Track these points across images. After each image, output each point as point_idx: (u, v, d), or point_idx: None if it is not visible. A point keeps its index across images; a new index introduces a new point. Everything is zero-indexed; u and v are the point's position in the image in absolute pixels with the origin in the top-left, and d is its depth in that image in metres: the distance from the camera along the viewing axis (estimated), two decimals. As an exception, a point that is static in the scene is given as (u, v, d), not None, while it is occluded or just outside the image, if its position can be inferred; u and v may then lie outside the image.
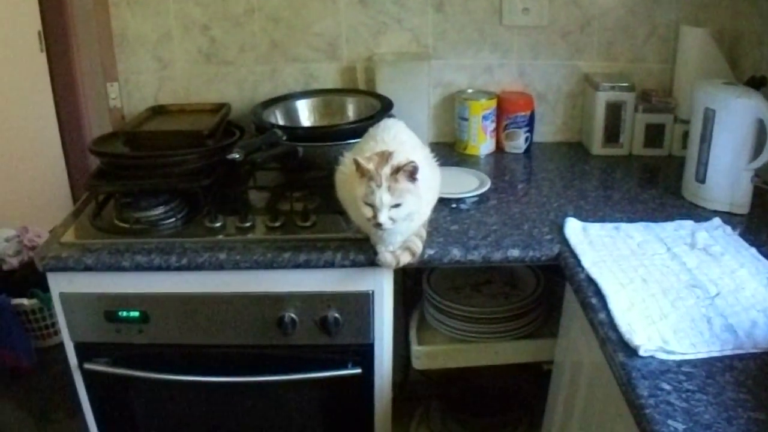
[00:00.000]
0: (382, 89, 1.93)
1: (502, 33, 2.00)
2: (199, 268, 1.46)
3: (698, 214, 1.67)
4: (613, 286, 1.36)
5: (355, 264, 1.48)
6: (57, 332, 2.89)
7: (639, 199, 1.76)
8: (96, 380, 1.59)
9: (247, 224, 1.56)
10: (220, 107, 1.91)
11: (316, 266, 1.47)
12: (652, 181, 1.90)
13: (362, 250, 1.48)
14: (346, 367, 1.59)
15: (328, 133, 1.69)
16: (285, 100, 1.92)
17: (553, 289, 1.78)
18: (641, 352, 1.17)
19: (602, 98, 1.97)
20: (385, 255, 1.42)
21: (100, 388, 1.61)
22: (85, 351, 1.57)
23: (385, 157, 1.33)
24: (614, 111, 1.97)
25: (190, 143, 1.67)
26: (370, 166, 1.32)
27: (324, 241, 1.51)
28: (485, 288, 1.84)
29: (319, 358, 1.58)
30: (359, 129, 1.67)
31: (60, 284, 1.50)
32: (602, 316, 1.28)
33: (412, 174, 1.32)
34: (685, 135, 1.97)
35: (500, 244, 1.51)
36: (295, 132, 1.69)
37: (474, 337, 1.73)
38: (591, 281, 1.39)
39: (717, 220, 1.62)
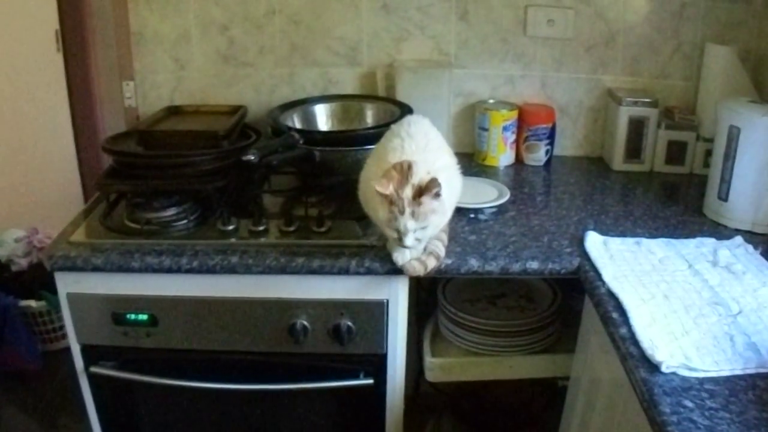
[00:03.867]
0: (402, 96, 1.89)
1: (526, 44, 1.96)
2: (210, 271, 1.43)
3: (720, 232, 1.64)
4: (635, 301, 1.33)
5: (370, 272, 1.43)
6: (65, 336, 2.77)
7: (660, 215, 1.71)
8: (102, 384, 1.55)
9: (261, 228, 1.52)
10: (237, 109, 1.88)
11: (330, 273, 1.43)
12: (673, 198, 1.85)
13: (378, 257, 1.44)
14: (357, 378, 1.54)
15: (346, 137, 1.66)
16: (303, 104, 1.88)
17: (570, 304, 1.75)
18: (663, 369, 1.14)
19: (625, 113, 1.92)
20: (413, 264, 1.38)
21: (106, 393, 1.57)
22: (91, 354, 1.53)
23: (404, 172, 1.29)
24: (637, 127, 1.93)
25: (205, 144, 1.64)
26: (390, 191, 1.27)
27: (339, 248, 1.47)
28: (500, 301, 1.79)
29: (330, 368, 1.54)
30: (378, 134, 1.64)
31: (68, 284, 1.47)
32: (623, 331, 1.25)
33: (436, 194, 1.28)
34: (708, 153, 1.94)
35: (519, 256, 1.47)
36: (312, 136, 1.65)
37: (489, 350, 1.69)
38: (612, 296, 1.36)
39: (739, 239, 1.58)
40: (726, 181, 1.66)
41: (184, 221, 1.55)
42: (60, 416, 2.51)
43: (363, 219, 1.58)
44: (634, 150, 1.96)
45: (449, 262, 1.45)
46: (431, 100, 1.89)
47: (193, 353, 1.53)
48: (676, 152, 1.96)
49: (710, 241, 1.58)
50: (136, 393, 1.58)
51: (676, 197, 1.87)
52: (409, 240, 1.30)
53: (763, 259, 1.50)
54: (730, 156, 1.64)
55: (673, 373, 1.13)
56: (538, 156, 1.98)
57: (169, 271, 1.43)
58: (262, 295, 1.48)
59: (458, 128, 2.02)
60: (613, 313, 1.30)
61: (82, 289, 1.47)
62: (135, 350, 1.52)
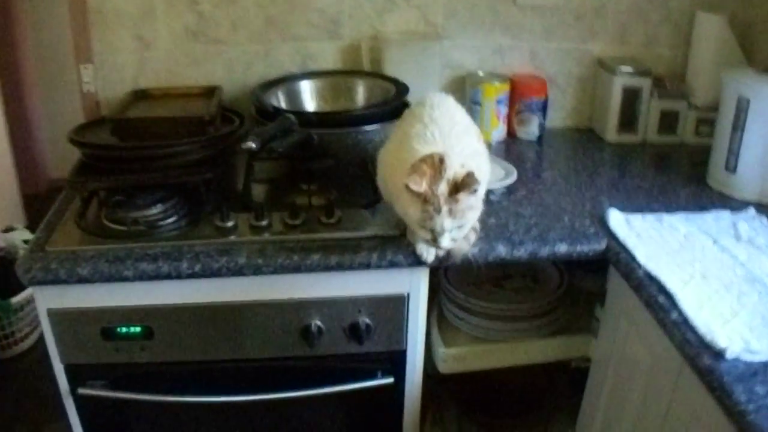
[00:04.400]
0: (390, 70, 1.74)
1: (516, 13, 1.84)
2: (214, 275, 1.25)
3: (729, 204, 1.58)
4: (677, 283, 1.25)
5: (393, 265, 1.29)
6: (17, 342, 2.61)
7: (668, 188, 1.64)
8: (91, 406, 1.36)
9: (264, 223, 1.35)
10: (211, 91, 1.68)
11: (350, 269, 1.28)
12: (672, 169, 1.78)
13: (400, 249, 1.30)
14: (375, 377, 1.41)
15: (345, 118, 1.49)
16: (285, 82, 1.70)
17: (572, 282, 1.68)
18: (728, 355, 1.07)
19: (619, 83, 1.84)
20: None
21: (96, 415, 1.38)
22: (78, 373, 1.33)
23: (437, 167, 1.14)
24: (630, 97, 1.85)
25: (188, 131, 1.44)
26: (424, 188, 1.12)
27: (355, 240, 1.32)
28: (506, 283, 1.68)
29: (346, 369, 1.40)
30: (379, 114, 1.51)
31: (48, 300, 1.26)
32: (675, 316, 1.17)
33: (474, 190, 1.14)
34: (699, 122, 1.89)
35: (546, 239, 1.37)
36: (307, 117, 1.48)
37: (502, 336, 1.59)
38: (652, 278, 1.27)
39: (752, 210, 1.53)
40: (734, 153, 1.60)
41: (173, 219, 1.37)
42: (15, 427, 2.28)
43: (371, 205, 1.45)
44: (628, 121, 1.87)
45: (476, 250, 1.32)
46: (421, 74, 1.74)
47: (194, 365, 1.36)
48: (668, 122, 1.89)
49: (726, 214, 1.52)
50: (130, 413, 1.40)
51: (675, 168, 1.80)
52: (444, 241, 1.16)
53: None
54: (738, 127, 1.58)
55: (736, 359, 1.06)
56: (530, 129, 1.87)
57: (167, 277, 1.24)
58: (272, 296, 1.32)
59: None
60: (658, 297, 1.22)
61: (66, 304, 1.27)
62: (128, 366, 1.34)
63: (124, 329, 1.30)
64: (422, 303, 1.38)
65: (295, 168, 1.56)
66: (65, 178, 1.39)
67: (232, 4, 1.69)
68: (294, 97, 1.69)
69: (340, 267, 1.28)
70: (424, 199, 1.13)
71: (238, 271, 1.26)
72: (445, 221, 1.13)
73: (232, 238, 1.32)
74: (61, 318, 1.28)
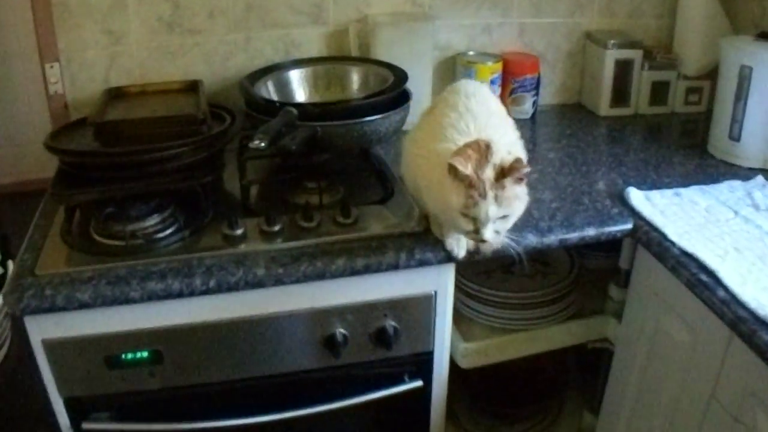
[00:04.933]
0: (380, 55, 1.61)
1: (503, -11, 1.74)
2: (231, 289, 1.12)
3: (734, 172, 1.55)
4: (714, 260, 1.20)
5: (422, 263, 1.19)
6: None
7: (672, 161, 1.59)
8: (97, 442, 1.21)
9: (276, 227, 1.22)
10: (193, 85, 1.52)
11: (377, 271, 1.17)
12: (671, 140, 1.73)
13: (428, 245, 1.19)
14: (403, 382, 1.31)
15: (349, 108, 1.35)
16: (273, 72, 1.55)
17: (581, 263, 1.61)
18: (785, 329, 1.03)
19: (611, 57, 1.77)
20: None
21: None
22: (80, 407, 1.18)
23: (482, 152, 1.04)
24: (622, 70, 1.78)
25: (179, 132, 1.29)
26: (470, 171, 1.02)
27: (379, 240, 1.21)
28: (516, 269, 1.58)
29: (373, 376, 1.29)
30: (384, 103, 1.38)
31: (43, 329, 1.10)
32: (722, 294, 1.13)
33: (520, 178, 1.04)
34: (688, 91, 1.84)
35: (573, 224, 1.29)
36: (309, 109, 1.35)
37: (519, 324, 1.50)
38: (688, 256, 1.22)
39: (760, 178, 1.51)
40: (738, 121, 1.56)
41: (172, 229, 1.22)
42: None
43: (385, 200, 1.33)
44: (620, 94, 1.81)
45: (506, 241, 1.22)
46: (413, 57, 1.61)
47: (209, 388, 1.22)
48: (658, 93, 1.84)
49: (738, 184, 1.49)
50: (140, 445, 1.25)
51: (673, 139, 1.75)
52: (488, 232, 1.05)
53: None
54: (741, 96, 1.54)
55: (791, 332, 1.02)
56: (525, 108, 1.78)
57: (179, 296, 1.10)
58: (292, 307, 1.19)
59: (435, 85, 1.75)
60: (700, 276, 1.17)
61: (64, 333, 1.11)
62: (136, 395, 1.19)
63: (130, 355, 1.15)
64: (449, 300, 1.28)
65: (295, 165, 1.43)
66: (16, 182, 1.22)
67: (209, -11, 1.54)
68: (283, 87, 1.54)
69: (367, 270, 1.16)
70: (469, 184, 1.02)
71: (258, 284, 1.13)
72: (490, 208, 1.03)
73: (243, 247, 1.18)
74: (59, 348, 1.12)
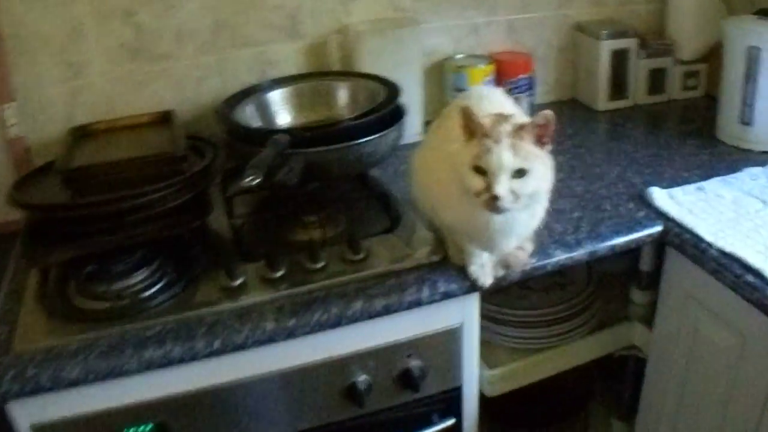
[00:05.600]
0: (364, 67, 1.48)
1: (489, -15, 1.63)
2: (238, 349, 0.99)
3: (749, 158, 1.47)
4: (756, 257, 1.11)
5: (447, 296, 1.07)
6: None
7: (683, 151, 1.50)
8: None
9: (280, 273, 1.09)
10: (164, 117, 1.37)
11: (398, 310, 1.05)
12: (676, 129, 1.64)
13: (450, 276, 1.08)
14: (434, 423, 1.18)
15: (343, 130, 1.22)
16: (252, 94, 1.41)
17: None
18: None
19: (606, 48, 1.66)
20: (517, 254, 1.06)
21: None
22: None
23: (502, 118, 0.92)
24: (619, 61, 1.68)
25: (159, 173, 1.14)
26: (485, 121, 0.90)
27: (395, 275, 1.08)
28: (533, 283, 1.48)
29: (401, 420, 1.16)
30: (380, 121, 1.25)
31: (31, 414, 0.96)
32: None
33: (541, 137, 0.91)
34: (686, 75, 1.76)
35: (600, 234, 1.18)
36: (300, 135, 1.21)
37: (543, 343, 1.39)
38: (729, 257, 1.13)
39: None
40: (749, 105, 1.47)
41: (161, 284, 1.08)
42: None
43: (393, 228, 1.21)
44: (618, 86, 1.71)
45: (533, 260, 1.12)
46: (401, 66, 1.48)
47: (222, 455, 1.09)
48: (656, 81, 1.74)
49: (759, 171, 1.40)
50: None
51: (678, 128, 1.66)
52: (501, 186, 0.88)
53: None
54: (751, 78, 1.46)
55: None
56: (513, 103, 1.66)
57: (182, 361, 0.97)
58: (307, 360, 1.06)
59: (426, 94, 1.62)
60: (746, 276, 1.08)
61: (55, 415, 0.96)
62: (144, 473, 1.06)
63: (132, 430, 1.02)
64: (476, 331, 1.17)
65: (286, 196, 1.29)
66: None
67: (174, 10, 1.38)
68: (265, 111, 1.41)
69: (387, 311, 1.04)
70: (484, 134, 0.89)
71: (268, 340, 0.99)
72: (504, 153, 0.88)
73: (245, 298, 1.05)
74: (49, 433, 0.99)
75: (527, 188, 0.90)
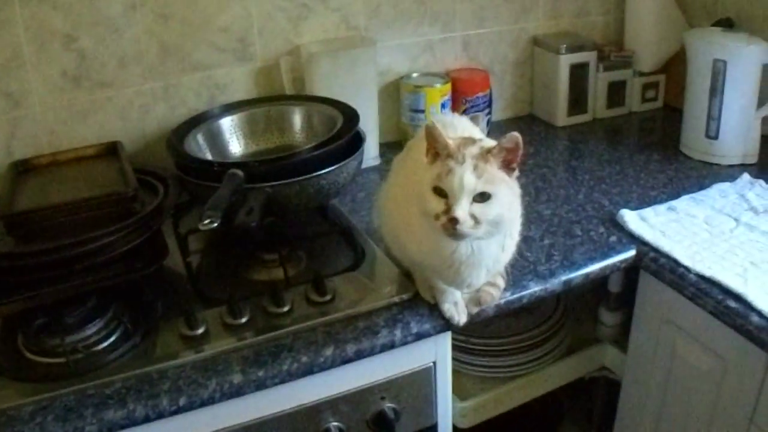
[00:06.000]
0: (318, 90, 1.45)
1: (443, 1, 1.61)
2: (206, 404, 0.95)
3: (716, 172, 1.51)
4: (736, 280, 1.13)
5: (420, 337, 1.05)
6: None
7: (650, 168, 1.53)
8: None
9: (243, 319, 1.05)
10: (111, 148, 1.33)
11: (371, 355, 1.03)
12: (639, 144, 1.67)
13: (423, 315, 1.06)
14: (409, 465, 1.18)
15: (307, 161, 1.19)
16: (202, 122, 1.37)
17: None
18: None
19: (565, 62, 1.68)
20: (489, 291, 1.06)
21: None
22: None
23: (469, 140, 0.91)
24: (578, 75, 1.70)
25: (109, 214, 1.10)
26: (450, 142, 0.89)
27: (366, 317, 1.06)
28: (499, 310, 1.49)
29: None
30: (342, 148, 1.23)
31: (-20, 490, 0.91)
32: (756, 319, 1.05)
33: (509, 162, 0.90)
34: (645, 88, 1.79)
35: (574, 262, 1.19)
36: (256, 169, 1.18)
37: (514, 371, 1.40)
38: (707, 281, 1.14)
39: (746, 176, 1.46)
40: (715, 118, 1.51)
41: (118, 334, 1.03)
42: None
43: (357, 265, 1.19)
44: (577, 100, 1.73)
45: (508, 295, 1.11)
46: (356, 87, 1.47)
47: None
48: (615, 94, 1.77)
49: (727, 186, 1.44)
50: None
51: (640, 143, 1.69)
52: (461, 209, 0.86)
53: None
54: (717, 91, 1.49)
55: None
56: (480, 129, 1.65)
57: (146, 421, 0.92)
58: (276, 410, 1.03)
59: (383, 117, 1.61)
60: (727, 302, 1.09)
61: (6, 490, 0.92)
62: None
63: (90, 499, 0.97)
64: (448, 368, 1.15)
65: (243, 232, 1.26)
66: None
67: (118, 35, 1.33)
68: (215, 139, 1.37)
69: (359, 356, 1.02)
70: (448, 155, 0.88)
71: (236, 392, 0.96)
72: (466, 175, 0.86)
73: (208, 348, 1.01)
74: None
75: (489, 214, 0.88)
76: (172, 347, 1.02)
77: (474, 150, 0.89)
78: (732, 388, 1.15)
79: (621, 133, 1.75)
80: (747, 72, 1.45)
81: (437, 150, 0.90)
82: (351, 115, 1.33)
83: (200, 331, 1.03)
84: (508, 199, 0.90)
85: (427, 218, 0.90)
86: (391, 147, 1.62)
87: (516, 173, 0.92)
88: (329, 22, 1.52)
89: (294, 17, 1.48)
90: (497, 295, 1.10)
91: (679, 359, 1.24)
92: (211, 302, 1.10)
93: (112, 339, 1.03)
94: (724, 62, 1.44)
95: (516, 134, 0.88)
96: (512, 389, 1.39)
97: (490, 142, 0.93)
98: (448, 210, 0.87)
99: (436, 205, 0.89)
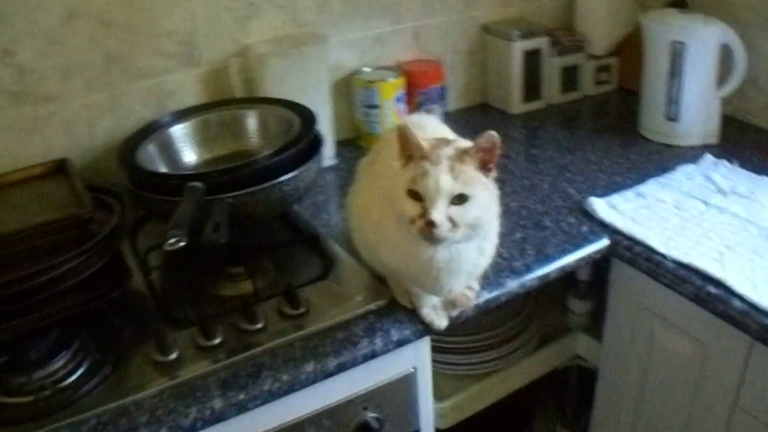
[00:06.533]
0: (270, 91, 1.43)
1: (392, -8, 1.61)
2: None
3: (679, 154, 1.54)
4: (713, 266, 1.16)
5: (401, 344, 1.05)
6: None
7: (612, 153, 1.56)
8: None
9: (216, 340, 1.03)
10: (59, 166, 1.27)
11: (353, 366, 1.02)
12: (598, 129, 1.69)
13: (402, 321, 1.06)
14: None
15: (268, 167, 1.16)
16: (152, 132, 1.33)
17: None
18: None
19: (518, 49, 1.69)
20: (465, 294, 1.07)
21: None
22: None
23: (443, 141, 0.91)
24: (532, 61, 1.72)
25: (66, 238, 1.06)
26: (424, 143, 0.89)
27: (344, 328, 1.06)
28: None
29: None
30: (301, 154, 1.21)
31: None
32: (738, 304, 1.09)
33: (485, 162, 0.90)
34: (598, 71, 1.82)
35: (548, 255, 1.21)
36: (216, 179, 1.15)
37: (488, 366, 1.42)
38: (685, 268, 1.17)
39: (709, 156, 1.51)
40: (674, 101, 1.54)
41: (87, 365, 1.00)
42: None
43: (328, 273, 1.18)
44: (531, 87, 1.75)
45: (487, 294, 1.12)
46: (309, 86, 1.45)
47: None
48: (569, 78, 1.80)
49: (692, 168, 1.48)
50: None
51: (598, 127, 1.71)
52: (438, 212, 0.86)
53: (749, 173, 1.44)
54: (676, 73, 1.52)
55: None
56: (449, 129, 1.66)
57: (125, 457, 0.91)
58: (259, 430, 1.01)
59: (337, 115, 1.59)
60: (708, 288, 1.13)
61: None
62: None
63: None
64: (428, 372, 1.16)
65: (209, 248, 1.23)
66: None
67: (59, 46, 1.28)
68: (169, 149, 1.33)
69: (341, 369, 1.01)
70: (422, 156, 0.88)
71: (218, 417, 0.94)
72: (442, 177, 0.86)
73: (183, 373, 0.98)
74: None
75: (467, 216, 0.88)
76: (145, 375, 0.99)
77: (449, 151, 0.89)
78: (714, 373, 1.18)
79: (577, 118, 1.78)
80: (706, 53, 1.48)
81: (410, 152, 0.90)
82: (308, 117, 1.31)
83: (173, 356, 1.01)
84: (486, 200, 0.91)
85: (403, 223, 0.90)
86: (346, 145, 1.62)
87: (493, 174, 0.92)
88: (277, 19, 1.49)
89: (240, 17, 1.45)
90: (472, 296, 1.10)
91: (658, 346, 1.28)
92: (181, 323, 1.08)
93: (80, 372, 1.00)
94: (683, 44, 1.48)
95: (493, 133, 0.88)
96: (489, 386, 1.41)
97: (465, 143, 0.93)
98: (424, 213, 0.87)
99: (412, 208, 0.88)
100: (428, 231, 0.87)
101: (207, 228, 1.04)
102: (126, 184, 1.23)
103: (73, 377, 0.99)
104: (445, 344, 1.40)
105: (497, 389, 1.43)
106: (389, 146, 1.02)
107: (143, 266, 1.22)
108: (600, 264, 1.34)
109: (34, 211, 1.15)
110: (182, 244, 0.98)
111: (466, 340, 1.41)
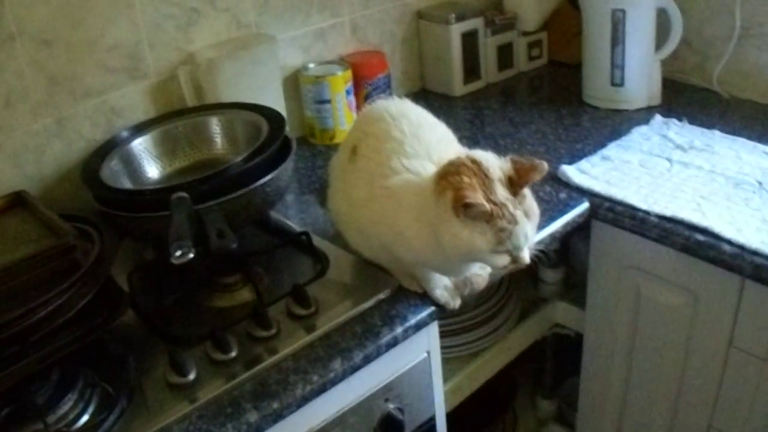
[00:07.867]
0: (223, 96, 1.40)
1: (328, -13, 1.60)
2: (223, 452, 0.90)
3: (628, 117, 1.61)
4: (695, 215, 1.22)
5: (419, 327, 1.06)
6: None
7: (564, 123, 1.61)
8: None
9: (233, 353, 1.00)
10: (16, 200, 1.18)
11: (377, 357, 1.02)
12: (543, 101, 1.74)
13: (416, 304, 1.07)
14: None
15: (248, 171, 1.13)
16: (113, 149, 1.27)
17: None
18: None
19: (457, 32, 1.72)
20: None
21: None
22: None
23: (477, 171, 0.90)
24: (470, 43, 1.75)
25: (53, 270, 0.99)
26: (486, 203, 0.87)
27: (360, 320, 1.05)
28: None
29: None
30: (275, 157, 1.19)
31: None
32: (728, 248, 1.15)
33: (542, 171, 0.92)
34: (530, 47, 1.87)
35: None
36: (197, 188, 1.10)
37: (484, 343, 1.46)
38: (670, 220, 1.22)
39: (658, 117, 1.58)
40: (619, 67, 1.61)
41: (97, 402, 0.95)
42: None
43: (323, 272, 1.16)
44: (471, 69, 1.78)
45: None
46: (262, 87, 1.43)
47: None
48: (504, 56, 1.84)
49: (645, 129, 1.54)
50: None
51: (542, 99, 1.77)
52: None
53: (700, 128, 1.52)
54: (619, 40, 1.59)
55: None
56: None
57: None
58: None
59: (290, 113, 1.56)
60: (696, 237, 1.18)
61: None
62: None
63: None
64: (439, 356, 1.17)
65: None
66: None
67: (-1, 72, 1.21)
68: (131, 166, 1.27)
69: (367, 360, 1.01)
70: (491, 216, 0.88)
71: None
72: (527, 227, 0.90)
73: (206, 393, 0.95)
74: None
75: (535, 231, 0.94)
76: (165, 401, 0.95)
77: (503, 192, 0.89)
78: (706, 318, 1.25)
79: (517, 93, 1.83)
80: (645, 18, 1.56)
81: (475, 215, 0.88)
82: (275, 117, 1.29)
83: (191, 376, 0.97)
84: (535, 207, 0.94)
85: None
86: (299, 143, 1.60)
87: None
88: (220, 23, 1.45)
89: (183, 24, 1.40)
90: (486, 276, 1.12)
91: (646, 302, 1.33)
92: (189, 341, 1.04)
93: (91, 409, 0.95)
94: (623, 11, 1.55)
95: (545, 164, 0.91)
96: (481, 364, 1.45)
97: (492, 161, 0.93)
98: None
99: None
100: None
101: (211, 236, 1.01)
102: (95, 207, 1.17)
103: (86, 416, 0.94)
104: (445, 326, 1.41)
105: (489, 366, 1.46)
106: (367, 140, 1.04)
107: (132, 289, 1.17)
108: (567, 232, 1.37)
109: (7, 249, 1.08)
110: (191, 254, 0.95)
111: (450, 322, 1.43)
